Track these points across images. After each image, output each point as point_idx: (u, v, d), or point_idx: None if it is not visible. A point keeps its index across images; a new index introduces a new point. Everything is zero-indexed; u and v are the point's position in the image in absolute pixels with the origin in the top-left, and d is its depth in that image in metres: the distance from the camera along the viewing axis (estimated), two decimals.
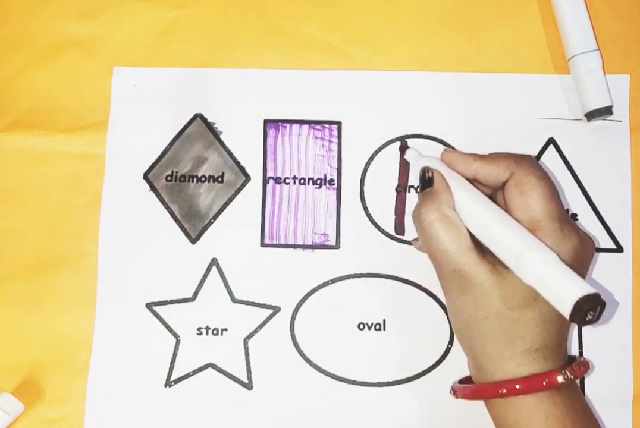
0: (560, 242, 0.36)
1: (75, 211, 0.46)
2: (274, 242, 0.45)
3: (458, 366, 0.41)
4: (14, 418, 0.43)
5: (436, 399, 0.43)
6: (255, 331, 0.45)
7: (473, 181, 0.40)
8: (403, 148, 0.45)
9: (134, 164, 0.46)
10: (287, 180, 0.46)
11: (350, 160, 0.46)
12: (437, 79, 0.46)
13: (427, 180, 0.39)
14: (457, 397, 0.40)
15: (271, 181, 0.46)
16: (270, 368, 0.44)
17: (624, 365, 0.44)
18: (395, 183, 0.46)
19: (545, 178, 0.37)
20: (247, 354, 0.44)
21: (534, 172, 0.37)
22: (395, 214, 0.45)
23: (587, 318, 0.33)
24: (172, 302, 0.45)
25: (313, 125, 0.46)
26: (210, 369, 0.44)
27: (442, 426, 0.44)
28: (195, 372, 0.44)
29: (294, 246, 0.45)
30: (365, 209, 0.46)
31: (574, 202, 0.45)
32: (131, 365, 0.44)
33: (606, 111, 0.44)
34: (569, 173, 0.45)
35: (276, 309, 0.45)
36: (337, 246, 0.45)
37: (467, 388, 0.39)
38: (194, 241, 0.45)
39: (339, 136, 0.46)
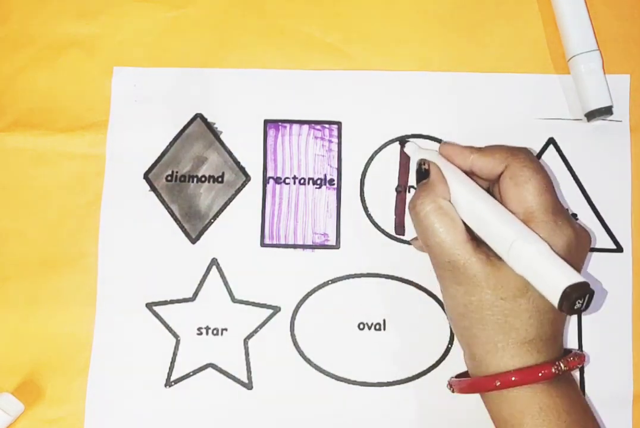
0: (554, 234, 0.36)
1: (75, 211, 0.46)
2: (274, 242, 0.45)
3: (458, 366, 0.41)
4: (14, 418, 0.43)
5: (436, 399, 0.44)
6: (255, 331, 0.45)
7: (470, 174, 0.40)
8: (403, 142, 0.45)
9: (134, 164, 0.46)
10: (287, 180, 0.46)
11: (350, 160, 0.46)
12: (437, 79, 0.46)
13: (423, 173, 0.40)
14: (453, 391, 0.40)
15: (271, 181, 0.46)
16: (270, 368, 0.44)
17: (624, 364, 0.44)
18: (395, 183, 0.46)
19: (540, 170, 0.38)
20: (247, 354, 0.44)
21: (529, 164, 0.38)
22: (395, 214, 0.45)
23: (575, 307, 0.33)
24: (172, 302, 0.45)
25: (313, 125, 0.46)
26: (210, 369, 0.44)
27: (441, 426, 0.44)
28: (195, 372, 0.44)
29: (294, 246, 0.45)
30: (365, 209, 0.46)
31: (574, 202, 0.45)
32: (131, 365, 0.44)
33: (606, 111, 0.44)
34: (568, 173, 0.45)
35: (276, 309, 0.45)
36: (337, 246, 0.45)
37: (463, 382, 0.39)
38: (194, 241, 0.45)
39: (339, 136, 0.46)
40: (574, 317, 0.44)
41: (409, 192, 0.45)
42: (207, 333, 0.45)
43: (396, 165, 0.46)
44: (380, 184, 0.46)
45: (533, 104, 0.46)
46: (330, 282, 0.45)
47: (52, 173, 0.46)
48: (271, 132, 0.46)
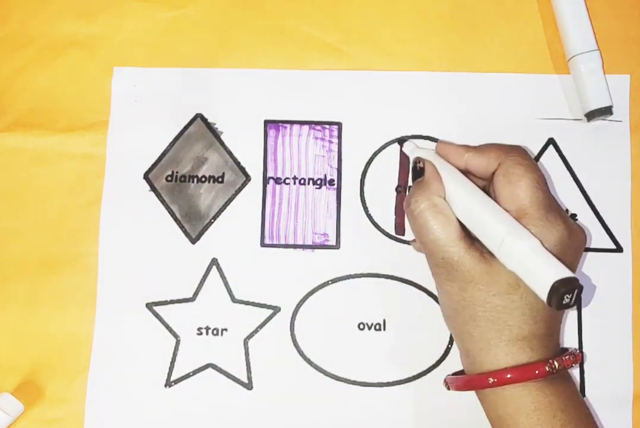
0: (545, 230, 0.36)
1: (75, 211, 0.46)
2: (274, 242, 0.45)
3: (458, 366, 0.41)
4: (14, 418, 0.43)
5: (436, 399, 0.44)
6: (255, 331, 0.45)
7: (466, 172, 0.40)
8: (401, 141, 0.45)
9: (134, 164, 0.46)
10: (287, 181, 0.46)
11: (350, 161, 0.46)
12: (437, 79, 0.46)
13: (418, 171, 0.40)
14: (449, 389, 0.40)
15: (271, 181, 0.46)
16: (270, 368, 0.44)
17: (624, 365, 0.44)
18: (395, 183, 0.46)
19: (533, 168, 0.38)
20: (247, 354, 0.44)
21: (522, 161, 0.38)
22: (395, 214, 0.45)
23: (563, 302, 0.33)
24: (172, 302, 0.45)
25: (313, 125, 0.46)
26: (210, 369, 0.44)
27: (441, 426, 0.44)
28: (195, 372, 0.44)
29: (294, 246, 0.45)
30: (365, 208, 0.46)
31: (574, 202, 0.45)
32: (131, 365, 0.44)
33: (606, 111, 0.44)
34: (568, 173, 0.45)
35: (276, 309, 0.45)
36: (337, 246, 0.45)
37: (459, 380, 0.39)
38: (194, 241, 0.45)
39: (339, 136, 0.46)
40: (574, 317, 0.44)
41: (408, 192, 0.45)
42: (207, 333, 0.45)
43: (396, 166, 0.46)
44: (380, 184, 0.46)
45: (533, 104, 0.46)
46: (330, 282, 0.45)
47: (52, 173, 0.46)
48: (271, 133, 0.46)
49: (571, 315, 0.44)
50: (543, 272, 0.34)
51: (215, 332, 0.45)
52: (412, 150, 0.43)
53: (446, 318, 0.40)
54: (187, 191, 0.46)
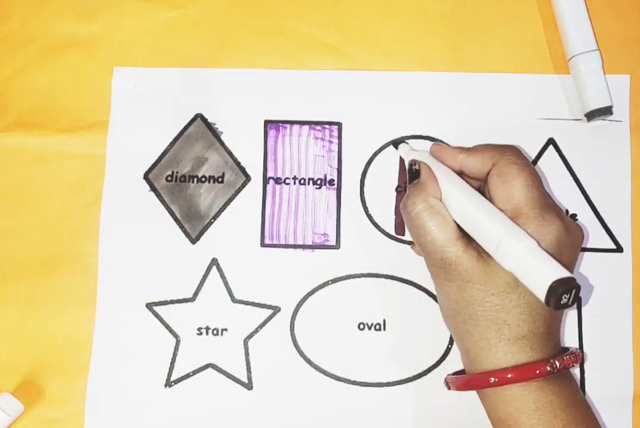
0: (541, 229, 0.36)
1: (75, 211, 0.46)
2: (274, 242, 0.45)
3: (458, 366, 0.41)
4: (14, 418, 0.43)
5: (436, 399, 0.44)
6: (255, 331, 0.45)
7: (461, 174, 0.40)
8: (396, 143, 0.45)
9: (134, 164, 0.46)
10: (287, 181, 0.46)
11: (350, 161, 0.46)
12: (437, 79, 0.46)
13: (414, 173, 0.40)
14: (449, 389, 0.40)
15: (271, 181, 0.46)
16: (270, 368, 0.44)
17: (624, 365, 0.44)
18: (395, 183, 0.46)
19: (527, 167, 0.38)
20: (247, 354, 0.44)
21: (516, 161, 0.38)
22: (395, 214, 0.45)
23: (562, 302, 0.33)
24: (172, 302, 0.45)
25: (313, 126, 0.46)
26: (210, 369, 0.44)
27: (441, 426, 0.44)
28: (195, 372, 0.44)
29: (294, 246, 0.45)
30: (365, 208, 0.46)
31: (574, 202, 0.45)
32: (131, 365, 0.44)
33: (606, 111, 0.44)
34: (568, 173, 0.45)
35: (276, 309, 0.45)
36: (337, 246, 0.45)
37: (459, 379, 0.39)
38: (194, 241, 0.45)
39: (339, 137, 0.46)
40: (575, 317, 0.44)
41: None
42: (207, 333, 0.45)
43: (396, 166, 0.46)
44: (380, 184, 0.46)
45: (533, 104, 0.46)
46: (330, 282, 0.45)
47: (52, 173, 0.46)
48: (271, 133, 0.46)
49: (571, 315, 0.44)
50: (540, 273, 0.34)
51: (215, 332, 0.45)
52: (407, 152, 0.43)
53: (445, 319, 0.40)
54: (187, 191, 0.46)
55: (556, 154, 0.46)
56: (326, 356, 0.44)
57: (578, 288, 0.33)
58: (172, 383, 0.44)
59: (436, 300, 0.44)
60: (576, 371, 0.44)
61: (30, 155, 0.46)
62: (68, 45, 0.47)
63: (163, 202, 0.46)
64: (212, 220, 0.46)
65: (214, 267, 0.45)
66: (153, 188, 0.46)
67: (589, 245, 0.45)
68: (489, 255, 0.37)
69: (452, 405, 0.43)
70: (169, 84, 0.47)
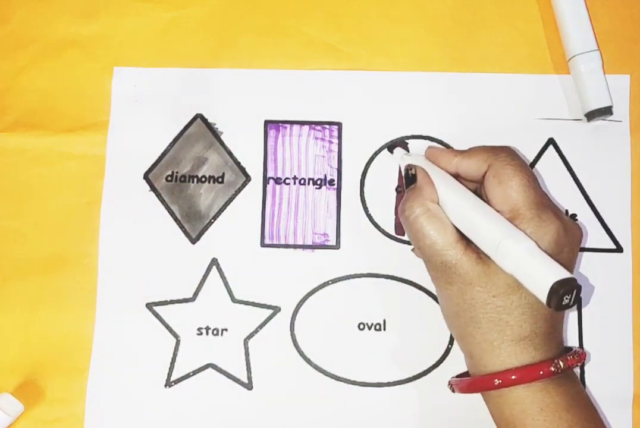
0: (539, 229, 0.36)
1: (75, 211, 0.46)
2: (274, 242, 0.45)
3: (458, 366, 0.41)
4: (14, 418, 0.43)
5: (436, 399, 0.44)
6: (255, 331, 0.45)
7: (457, 177, 0.40)
8: (391, 148, 0.45)
9: (134, 164, 0.46)
10: (287, 181, 0.46)
11: (350, 161, 0.46)
12: (437, 79, 0.46)
13: (411, 178, 0.40)
14: (453, 391, 0.40)
15: (271, 181, 0.46)
16: (270, 368, 0.44)
17: (624, 365, 0.44)
18: (395, 183, 0.46)
19: (523, 167, 0.38)
20: (247, 354, 0.44)
21: (511, 162, 0.38)
22: (396, 214, 0.45)
23: (563, 303, 0.33)
24: (172, 302, 0.45)
25: (313, 126, 0.46)
26: (210, 369, 0.44)
27: (441, 426, 0.44)
28: (195, 372, 0.44)
29: (294, 246, 0.45)
30: (365, 209, 0.46)
31: (574, 202, 0.45)
32: (131, 365, 0.44)
33: (606, 111, 0.44)
34: (568, 173, 0.45)
35: (276, 309, 0.45)
36: (337, 246, 0.45)
37: (463, 382, 0.39)
38: (194, 241, 0.45)
39: (339, 137, 0.46)
40: (575, 318, 0.44)
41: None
42: (207, 333, 0.45)
43: (396, 166, 0.46)
44: (380, 184, 0.46)
45: (533, 104, 0.46)
46: (330, 282, 0.45)
47: (52, 173, 0.46)
48: (271, 133, 0.46)
49: (571, 315, 0.44)
50: (541, 274, 0.34)
51: (215, 332, 0.45)
52: (402, 156, 0.43)
53: (447, 322, 0.40)
54: (187, 191, 0.46)
55: (556, 154, 0.46)
56: (326, 356, 0.44)
57: (579, 288, 0.33)
58: (172, 383, 0.44)
59: (436, 300, 0.44)
60: (576, 371, 0.44)
61: (30, 155, 0.46)
62: (68, 45, 0.47)
63: (163, 202, 0.46)
64: (212, 220, 0.46)
65: (214, 267, 0.45)
66: (153, 188, 0.46)
67: (589, 245, 0.45)
68: (488, 257, 0.37)
69: (452, 405, 0.43)
70: (169, 84, 0.47)
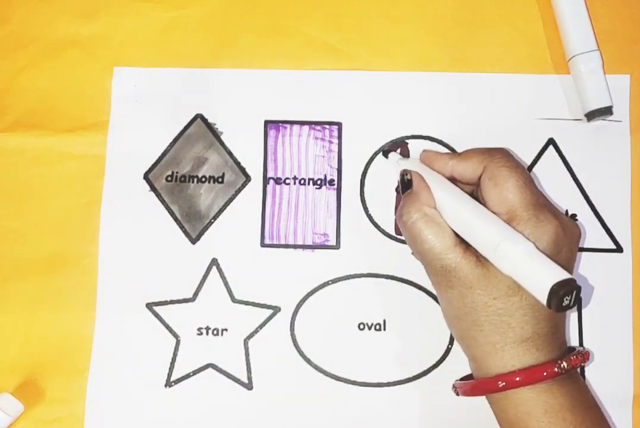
0: (537, 229, 0.36)
1: (75, 211, 0.46)
2: (274, 242, 0.45)
3: (458, 366, 0.41)
4: (14, 418, 0.43)
5: (436, 399, 0.44)
6: (255, 331, 0.45)
7: (453, 180, 0.40)
8: (386, 152, 0.45)
9: (134, 164, 0.46)
10: (287, 181, 0.46)
11: (350, 161, 0.46)
12: (437, 79, 0.46)
13: (407, 183, 0.40)
14: (458, 394, 0.40)
15: (271, 181, 0.46)
16: (270, 368, 0.44)
17: (624, 365, 0.44)
18: (395, 183, 0.46)
19: (518, 168, 0.38)
20: (247, 354, 0.44)
21: (506, 163, 0.38)
22: (395, 214, 0.45)
23: (563, 304, 0.33)
24: (172, 302, 0.45)
25: (313, 126, 0.46)
26: (210, 369, 0.44)
27: (442, 426, 0.44)
28: (195, 372, 0.44)
29: (294, 246, 0.45)
30: (365, 209, 0.46)
31: (574, 202, 0.45)
32: (131, 365, 0.44)
33: (606, 111, 0.44)
34: (568, 173, 0.45)
35: (276, 309, 0.45)
36: (337, 246, 0.45)
37: (467, 385, 0.39)
38: (194, 241, 0.45)
39: (339, 137, 0.46)
40: (575, 318, 0.44)
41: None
42: (207, 333, 0.45)
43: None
44: (380, 184, 0.46)
45: (533, 104, 0.46)
46: (330, 282, 0.45)
47: (52, 173, 0.46)
48: (271, 133, 0.46)
49: (572, 315, 0.44)
50: (540, 276, 0.33)
51: (215, 332, 0.45)
52: (397, 161, 0.43)
53: (449, 325, 0.40)
54: (187, 191, 0.46)
55: (556, 154, 0.46)
56: (326, 356, 0.44)
57: (579, 289, 0.33)
58: (172, 383, 0.44)
59: (436, 301, 0.44)
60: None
61: (30, 155, 0.46)
62: (68, 45, 0.47)
63: (163, 202, 0.46)
64: (212, 220, 0.46)
65: (214, 267, 0.45)
66: (153, 188, 0.46)
67: (588, 246, 0.45)
68: (487, 260, 0.37)
69: (453, 405, 0.43)
70: (169, 84, 0.47)
